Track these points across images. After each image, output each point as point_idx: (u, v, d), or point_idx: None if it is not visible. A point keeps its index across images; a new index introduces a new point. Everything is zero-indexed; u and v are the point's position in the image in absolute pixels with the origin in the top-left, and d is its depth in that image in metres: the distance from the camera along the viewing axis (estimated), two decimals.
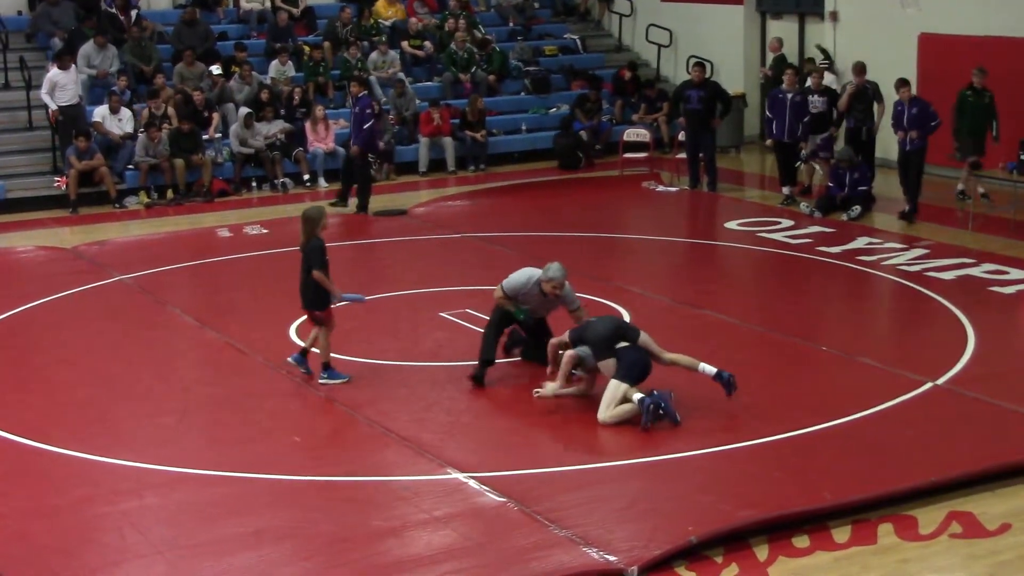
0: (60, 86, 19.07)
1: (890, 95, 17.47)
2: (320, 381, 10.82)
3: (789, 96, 17.91)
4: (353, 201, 18.20)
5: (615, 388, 9.72)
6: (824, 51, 21.08)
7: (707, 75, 19.63)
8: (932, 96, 18.41)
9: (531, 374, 10.74)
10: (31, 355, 12.28)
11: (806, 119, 17.88)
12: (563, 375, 10.07)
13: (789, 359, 11.50)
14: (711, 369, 10.00)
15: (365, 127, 17.96)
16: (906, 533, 7.93)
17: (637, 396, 9.65)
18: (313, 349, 10.91)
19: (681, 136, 20.63)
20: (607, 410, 9.68)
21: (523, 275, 10.89)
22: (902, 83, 16.76)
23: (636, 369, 9.80)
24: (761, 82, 22.07)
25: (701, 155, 19.13)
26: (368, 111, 18.12)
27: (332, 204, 18.17)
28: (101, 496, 8.69)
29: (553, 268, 10.67)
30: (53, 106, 19.12)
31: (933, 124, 16.60)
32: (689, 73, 22.97)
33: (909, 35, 19.61)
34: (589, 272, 14.28)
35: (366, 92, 18.59)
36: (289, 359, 11.05)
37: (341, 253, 16.01)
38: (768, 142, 18.72)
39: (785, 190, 18.26)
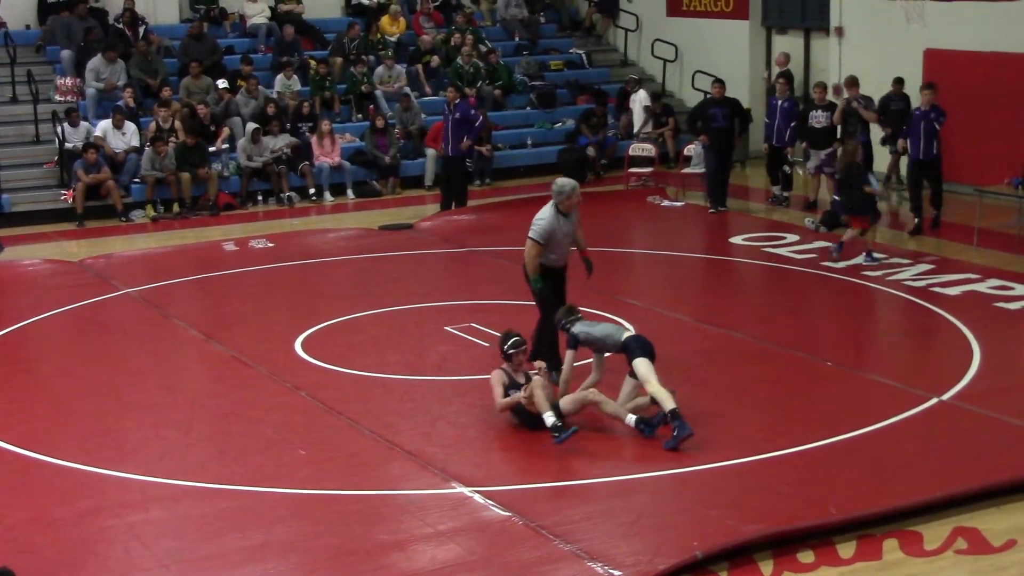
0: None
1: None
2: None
3: (779, 102, 18.93)
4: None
5: (631, 384, 9.95)
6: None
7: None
8: None
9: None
10: (37, 368, 12.32)
11: (793, 124, 18.72)
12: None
13: (794, 374, 11.49)
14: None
15: (477, 124, 18.99)
16: (911, 549, 7.92)
17: (632, 418, 9.73)
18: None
19: (687, 151, 20.64)
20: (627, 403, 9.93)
21: (544, 213, 11.10)
22: (926, 87, 16.88)
23: (649, 348, 9.97)
24: (765, 87, 22.15)
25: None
26: (473, 112, 18.98)
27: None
28: (106, 509, 8.70)
29: (558, 182, 11.24)
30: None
31: (937, 122, 16.65)
32: (695, 89, 23.06)
33: (914, 50, 19.62)
34: (594, 286, 14.27)
35: (461, 98, 19.17)
36: None
37: (347, 267, 16.11)
38: (764, 147, 19.39)
39: (774, 190, 19.31)
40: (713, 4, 23.90)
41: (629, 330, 10.45)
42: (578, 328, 10.29)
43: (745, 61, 23.19)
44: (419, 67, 23.13)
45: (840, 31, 21.35)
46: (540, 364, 10.12)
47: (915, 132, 16.75)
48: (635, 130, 22.27)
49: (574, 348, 10.25)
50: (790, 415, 10.30)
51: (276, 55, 22.53)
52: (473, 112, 19.03)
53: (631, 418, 9.74)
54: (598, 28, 26.54)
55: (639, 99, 22.31)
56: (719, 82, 19.16)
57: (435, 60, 23.31)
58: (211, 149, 20.01)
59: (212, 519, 8.53)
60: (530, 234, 11.02)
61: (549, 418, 9.59)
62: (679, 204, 19.51)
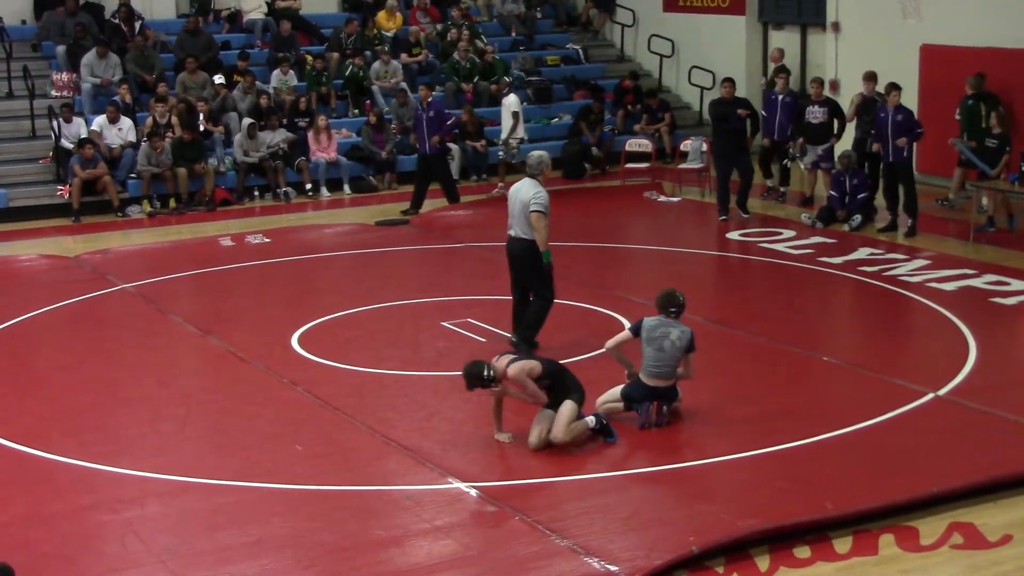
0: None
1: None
2: None
3: (779, 97, 18.65)
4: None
5: (571, 408, 9.49)
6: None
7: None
8: (935, 107, 18.50)
9: None
10: (33, 363, 12.30)
11: (791, 119, 18.53)
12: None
13: (790, 369, 11.50)
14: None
15: (449, 123, 19.10)
16: (907, 544, 7.93)
17: (592, 419, 9.63)
18: None
19: (684, 147, 20.63)
20: (566, 428, 9.44)
21: (534, 187, 11.18)
22: (893, 87, 16.46)
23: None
24: (763, 90, 22.14)
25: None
26: (446, 111, 19.12)
27: (404, 212, 18.50)
28: (102, 504, 8.70)
29: (534, 155, 11.31)
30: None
31: (918, 131, 16.31)
32: (691, 84, 22.99)
33: (911, 46, 19.62)
34: (590, 281, 14.30)
35: (435, 96, 19.38)
36: None
37: (343, 262, 16.11)
38: (764, 141, 18.95)
39: (768, 182, 19.21)
40: (710, 0, 23.90)
41: (666, 371, 9.83)
42: (648, 321, 9.98)
43: (742, 57, 23.19)
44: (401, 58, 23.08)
45: (836, 27, 21.34)
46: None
47: (883, 134, 16.31)
48: (503, 136, 20.69)
49: (634, 335, 9.97)
50: (786, 410, 10.29)
51: (272, 50, 22.51)
52: (447, 111, 19.03)
53: (591, 418, 9.67)
54: (594, 23, 26.52)
55: (508, 104, 20.83)
56: (729, 80, 18.32)
57: (423, 54, 23.28)
58: (202, 127, 19.98)
59: (209, 514, 8.53)
60: (538, 208, 11.05)
61: (591, 420, 9.62)
62: (675, 200, 19.52)
